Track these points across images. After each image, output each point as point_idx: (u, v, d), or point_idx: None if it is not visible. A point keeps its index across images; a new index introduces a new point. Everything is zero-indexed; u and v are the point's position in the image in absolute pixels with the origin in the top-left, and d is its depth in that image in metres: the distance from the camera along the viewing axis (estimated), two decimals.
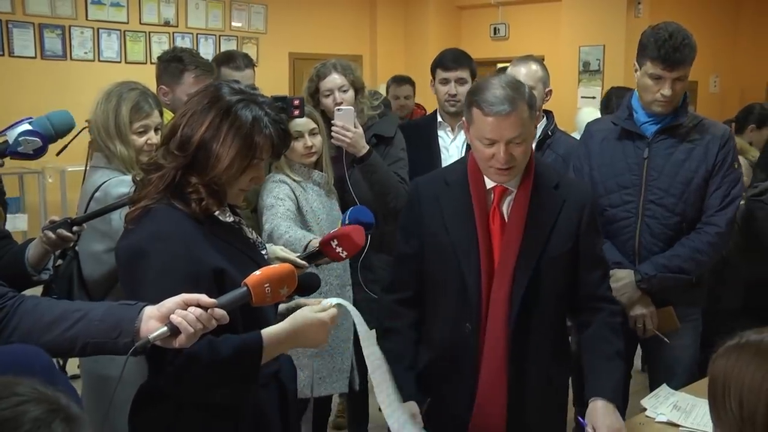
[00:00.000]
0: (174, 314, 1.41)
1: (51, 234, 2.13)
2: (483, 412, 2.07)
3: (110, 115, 2.36)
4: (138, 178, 1.74)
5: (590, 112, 4.10)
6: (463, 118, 2.08)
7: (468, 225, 2.06)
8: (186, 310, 1.41)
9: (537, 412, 2.11)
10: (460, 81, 3.38)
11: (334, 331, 2.55)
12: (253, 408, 1.72)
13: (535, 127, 3.03)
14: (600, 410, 2.00)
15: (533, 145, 2.96)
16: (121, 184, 2.31)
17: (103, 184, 2.35)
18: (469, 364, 2.08)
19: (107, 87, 2.43)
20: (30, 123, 2.12)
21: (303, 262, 1.95)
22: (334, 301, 1.74)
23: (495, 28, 9.96)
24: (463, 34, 10.30)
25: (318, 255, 2.03)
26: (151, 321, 1.43)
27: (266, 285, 1.49)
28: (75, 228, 2.17)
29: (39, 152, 2.12)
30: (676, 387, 2.39)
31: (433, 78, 3.52)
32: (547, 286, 2.07)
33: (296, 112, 2.60)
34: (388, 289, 2.25)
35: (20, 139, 2.07)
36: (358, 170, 2.97)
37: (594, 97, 8.11)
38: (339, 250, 2.01)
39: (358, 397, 3.15)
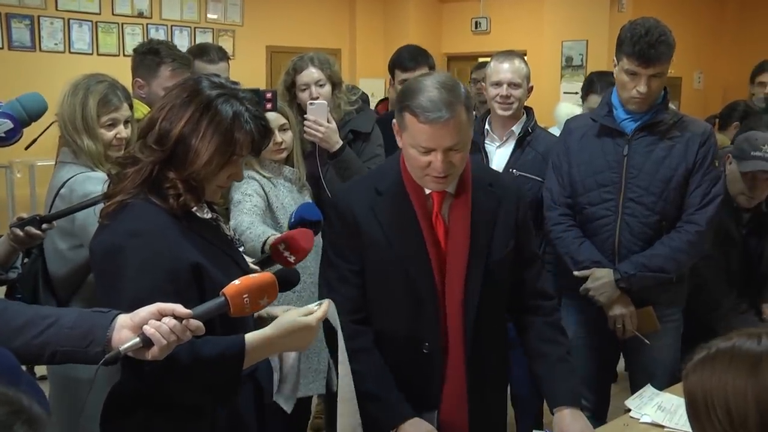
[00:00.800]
0: (147, 325, 1.39)
1: (19, 231, 2.12)
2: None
3: (77, 108, 2.34)
4: (113, 172, 1.72)
5: (568, 107, 4.12)
6: (394, 121, 1.96)
7: (413, 234, 1.96)
8: (160, 320, 1.40)
9: (493, 415, 2.14)
10: None
11: None
12: (228, 409, 1.72)
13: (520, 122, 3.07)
14: (568, 419, 2.01)
15: (513, 143, 3.03)
16: (88, 181, 2.29)
17: (69, 180, 2.33)
18: (432, 384, 1.99)
19: (74, 79, 2.41)
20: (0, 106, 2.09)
21: (256, 268, 1.90)
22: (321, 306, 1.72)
23: (476, 22, 10.01)
24: (444, 28, 10.34)
25: (270, 260, 2.00)
26: (124, 331, 1.41)
27: (245, 296, 1.47)
28: (44, 226, 2.16)
29: (11, 135, 2.08)
30: (659, 388, 2.40)
31: (393, 78, 3.52)
32: (496, 289, 2.04)
33: (268, 106, 2.60)
34: (341, 309, 1.94)
35: None
36: (331, 166, 2.99)
37: (577, 93, 8.16)
38: (287, 254, 1.97)
39: (336, 397, 3.14)
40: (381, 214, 1.99)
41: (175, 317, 1.41)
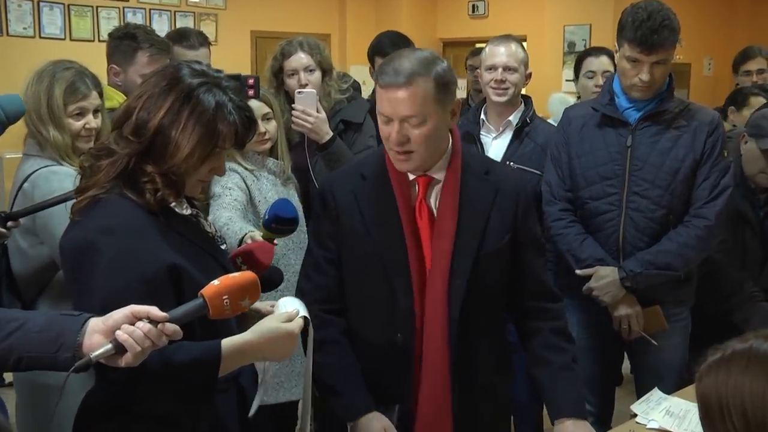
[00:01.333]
0: (120, 330, 1.37)
1: None
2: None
3: (42, 96, 2.32)
4: (86, 164, 1.71)
5: (562, 98, 4.12)
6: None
7: (392, 222, 1.96)
8: (134, 324, 1.38)
9: (484, 426, 2.09)
10: None
11: None
12: (211, 415, 1.70)
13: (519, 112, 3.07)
14: (570, 429, 2.01)
15: (510, 134, 3.02)
16: (53, 177, 2.27)
17: (32, 174, 2.31)
18: (405, 380, 2.00)
19: (40, 66, 2.39)
20: None
21: None
22: (301, 311, 1.71)
23: (473, 6, 9.99)
24: (439, 11, 10.32)
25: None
26: (96, 335, 1.40)
27: (224, 297, 1.45)
28: (9, 223, 2.14)
29: None
30: (666, 391, 2.40)
31: (372, 67, 3.51)
32: (487, 284, 2.02)
33: (251, 93, 2.59)
34: (312, 298, 2.01)
35: None
36: (320, 158, 2.98)
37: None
38: (244, 268, 1.96)
39: (321, 401, 3.13)
40: (362, 200, 2.01)
41: (151, 321, 1.39)
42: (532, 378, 2.15)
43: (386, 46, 3.45)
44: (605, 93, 2.73)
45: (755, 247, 2.94)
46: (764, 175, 2.86)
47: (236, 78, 2.57)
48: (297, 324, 1.66)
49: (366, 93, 4.25)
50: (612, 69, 3.67)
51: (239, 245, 2.32)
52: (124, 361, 1.38)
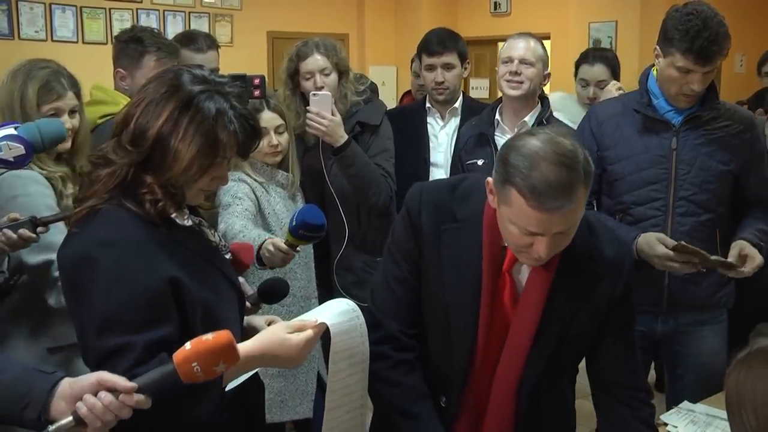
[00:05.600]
0: (81, 401, 1.34)
1: (12, 234, 2.07)
2: None
3: (15, 95, 2.30)
4: (86, 170, 1.69)
5: (562, 96, 4.00)
6: (488, 179, 1.74)
7: (470, 286, 1.80)
8: (98, 394, 1.34)
9: None
10: (447, 67, 3.40)
11: None
12: None
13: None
14: None
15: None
16: (17, 182, 2.22)
17: None
18: None
19: (15, 64, 2.37)
20: (16, 128, 2.07)
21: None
22: (318, 319, 1.66)
23: (495, 3, 9.94)
24: (460, 9, 10.27)
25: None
26: (62, 402, 1.37)
27: (194, 364, 1.37)
28: (39, 229, 2.12)
29: (21, 161, 2.07)
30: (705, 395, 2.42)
31: (420, 63, 3.50)
32: (562, 367, 1.92)
33: (257, 93, 2.57)
34: (385, 316, 1.92)
35: (1, 143, 2.03)
36: (335, 162, 2.96)
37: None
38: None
39: (311, 422, 3.05)
40: (447, 241, 1.84)
41: (117, 390, 1.35)
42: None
43: (433, 44, 3.44)
44: (643, 93, 2.65)
45: None
46: None
47: (241, 78, 2.55)
48: (305, 335, 1.62)
49: (388, 95, 4.23)
50: (607, 78, 3.66)
51: (258, 252, 2.31)
52: None
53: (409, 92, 4.57)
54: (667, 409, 2.46)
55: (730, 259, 2.46)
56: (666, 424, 2.28)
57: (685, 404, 2.41)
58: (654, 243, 2.48)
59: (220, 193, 2.67)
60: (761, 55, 4.50)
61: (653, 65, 2.65)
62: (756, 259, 2.46)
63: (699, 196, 2.57)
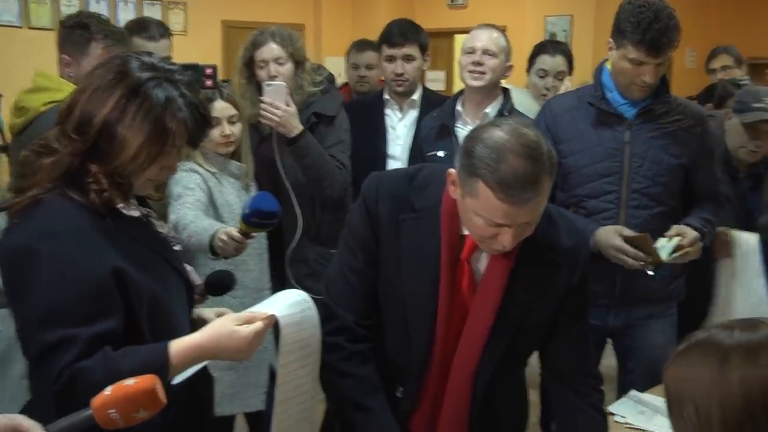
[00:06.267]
0: None
1: None
2: None
3: None
4: (26, 162, 1.62)
5: (513, 91, 4.01)
6: (450, 170, 1.73)
7: (428, 276, 1.80)
8: None
9: None
10: (408, 58, 3.38)
11: None
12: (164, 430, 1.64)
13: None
14: None
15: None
16: None
17: None
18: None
19: None
20: None
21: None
22: (268, 311, 1.64)
23: None
24: (417, 1, 10.28)
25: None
26: None
27: (111, 411, 1.28)
28: None
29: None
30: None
31: (380, 54, 3.48)
32: (518, 357, 1.95)
33: (208, 83, 2.54)
34: (340, 307, 1.91)
35: None
36: (289, 153, 2.93)
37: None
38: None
39: (263, 415, 3.01)
40: (405, 231, 1.83)
41: None
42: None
43: (394, 35, 3.41)
44: (596, 86, 2.68)
45: (735, 221, 3.03)
46: (745, 150, 3.05)
47: (193, 68, 2.51)
48: (254, 327, 1.59)
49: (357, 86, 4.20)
50: (566, 69, 3.69)
51: (210, 242, 2.31)
52: None
53: (346, 84, 4.51)
54: None
55: (667, 235, 2.51)
56: (614, 414, 2.30)
57: (633, 393, 2.43)
58: (611, 234, 2.52)
59: (171, 184, 2.62)
60: (709, 52, 4.62)
61: (607, 59, 2.68)
62: (689, 233, 2.51)
63: (651, 189, 2.60)
